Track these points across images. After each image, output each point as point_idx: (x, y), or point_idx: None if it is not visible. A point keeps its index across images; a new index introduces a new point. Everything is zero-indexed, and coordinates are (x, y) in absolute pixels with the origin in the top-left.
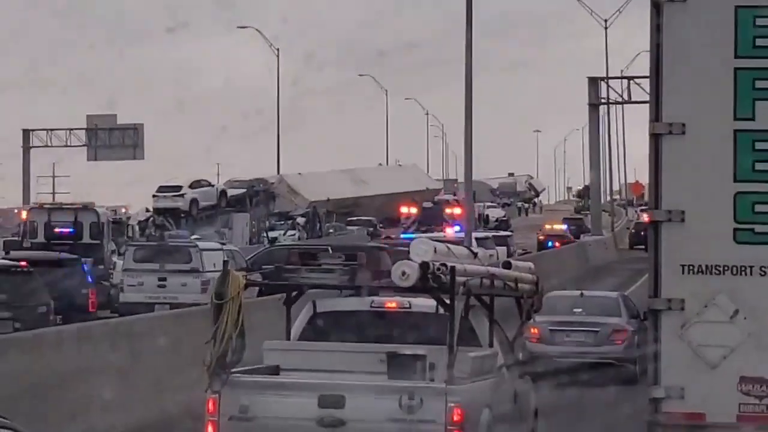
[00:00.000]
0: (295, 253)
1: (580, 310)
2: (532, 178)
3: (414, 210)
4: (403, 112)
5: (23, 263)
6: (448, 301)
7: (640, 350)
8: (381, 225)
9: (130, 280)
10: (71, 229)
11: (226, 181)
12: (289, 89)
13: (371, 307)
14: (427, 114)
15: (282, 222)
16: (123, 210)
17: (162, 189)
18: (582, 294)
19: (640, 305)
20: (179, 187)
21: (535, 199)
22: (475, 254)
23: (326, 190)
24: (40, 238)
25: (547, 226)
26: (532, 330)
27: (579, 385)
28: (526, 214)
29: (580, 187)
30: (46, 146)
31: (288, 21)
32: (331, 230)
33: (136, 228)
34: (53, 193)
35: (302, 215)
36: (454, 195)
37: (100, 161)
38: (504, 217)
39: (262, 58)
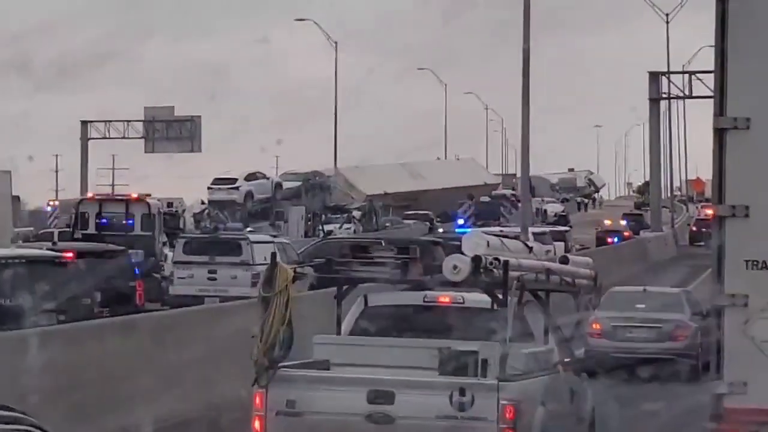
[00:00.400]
0: (347, 245)
1: (642, 306)
2: (592, 173)
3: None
4: (463, 107)
5: (68, 255)
6: (500, 296)
7: (702, 346)
8: (438, 219)
9: (180, 272)
10: (124, 221)
11: (281, 173)
12: (348, 82)
13: (424, 301)
14: (487, 108)
15: (338, 215)
16: (179, 202)
17: (217, 181)
18: (645, 290)
19: (702, 301)
20: (234, 180)
21: (595, 195)
22: (531, 249)
23: (383, 184)
24: (92, 230)
25: (606, 222)
26: (594, 325)
27: (640, 382)
28: (586, 210)
29: (641, 183)
30: (104, 138)
31: (347, 14)
32: (387, 224)
33: (190, 220)
34: (112, 185)
35: (358, 209)
36: (513, 190)
37: (157, 153)
38: (563, 212)
39: (320, 51)
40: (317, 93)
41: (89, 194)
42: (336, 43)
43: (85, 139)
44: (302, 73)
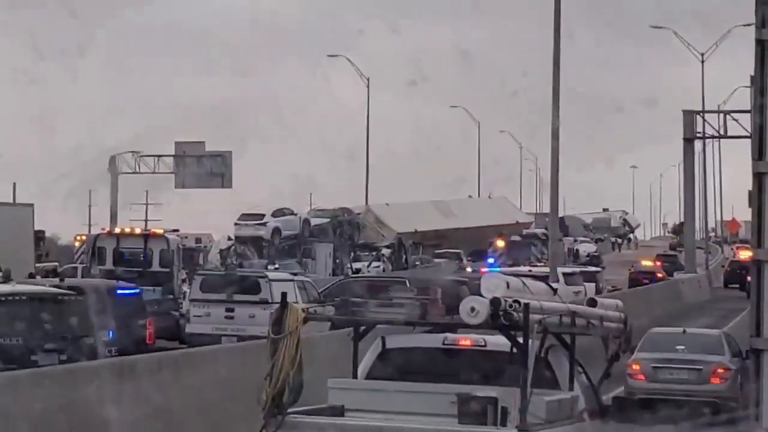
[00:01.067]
0: (364, 285)
1: (682, 347)
2: (626, 213)
3: (501, 243)
4: (497, 145)
5: (71, 291)
6: (521, 340)
7: (742, 389)
8: (469, 258)
9: (196, 310)
10: (140, 257)
11: (309, 210)
12: (379, 119)
13: (444, 344)
14: (521, 147)
15: (367, 253)
16: (208, 238)
17: (244, 217)
18: (684, 331)
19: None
20: (261, 215)
21: (630, 235)
22: (555, 290)
23: (414, 222)
24: (109, 265)
25: (644, 263)
26: (634, 366)
27: (680, 424)
28: (620, 250)
29: (676, 224)
30: (135, 173)
31: (379, 51)
32: (417, 262)
33: (216, 256)
34: (146, 220)
35: (387, 246)
36: (546, 229)
37: (187, 188)
38: (595, 252)
39: (352, 88)
40: (349, 129)
41: (106, 229)
42: (368, 79)
43: (114, 174)
44: (334, 109)
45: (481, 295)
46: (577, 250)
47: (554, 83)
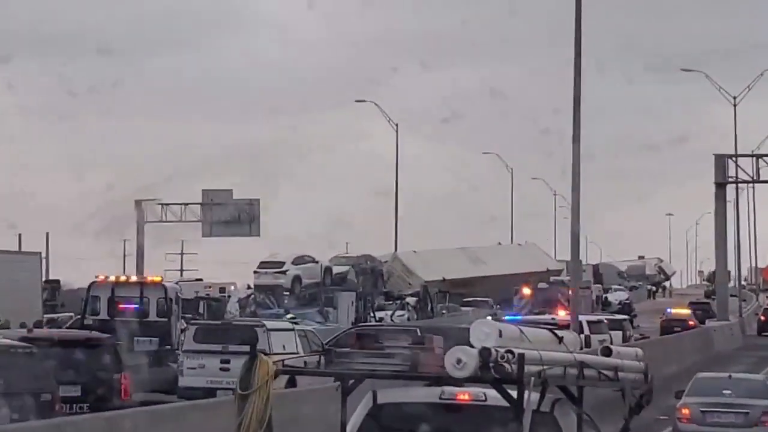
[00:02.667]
0: (373, 334)
1: (729, 391)
2: (661, 261)
3: (527, 291)
4: (530, 192)
5: (25, 343)
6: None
7: None
8: (498, 306)
9: (190, 362)
10: (136, 306)
11: (331, 257)
12: (409, 165)
13: (440, 399)
14: (555, 194)
15: (391, 302)
16: (233, 287)
17: (263, 265)
18: (730, 376)
19: None
20: (281, 263)
21: (665, 283)
22: (560, 339)
23: (442, 269)
24: (103, 315)
25: (675, 310)
26: (683, 410)
27: None
28: (654, 298)
29: (711, 271)
30: (161, 221)
31: (409, 96)
32: (444, 311)
33: (235, 305)
34: (181, 270)
35: (412, 295)
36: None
37: (214, 237)
38: (627, 300)
39: (381, 133)
40: (378, 176)
41: (101, 276)
42: (397, 125)
43: (141, 222)
44: (363, 156)
45: (470, 345)
46: (606, 297)
47: (575, 126)
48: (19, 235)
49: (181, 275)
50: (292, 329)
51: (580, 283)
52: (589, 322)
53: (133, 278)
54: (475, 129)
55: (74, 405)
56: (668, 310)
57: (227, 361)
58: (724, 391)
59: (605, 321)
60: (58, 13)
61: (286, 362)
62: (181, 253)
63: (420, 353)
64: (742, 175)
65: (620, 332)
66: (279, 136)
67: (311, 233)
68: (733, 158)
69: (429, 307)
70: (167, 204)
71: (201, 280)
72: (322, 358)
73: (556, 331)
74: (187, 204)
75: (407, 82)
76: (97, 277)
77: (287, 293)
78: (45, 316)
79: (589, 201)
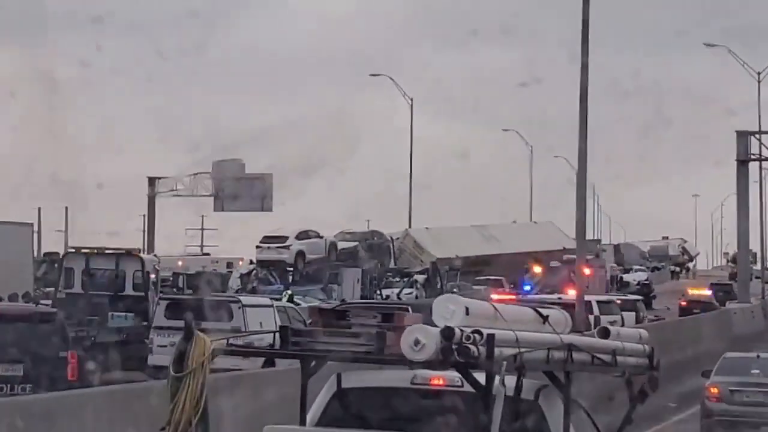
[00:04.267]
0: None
1: (757, 371)
2: (685, 241)
3: (538, 269)
4: (551, 171)
5: None
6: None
7: None
8: (512, 285)
9: (160, 339)
10: (114, 278)
11: (337, 233)
12: (425, 142)
13: (412, 384)
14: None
15: (398, 279)
16: (240, 263)
17: (266, 239)
18: (758, 356)
19: None
20: (285, 238)
21: (689, 264)
22: (545, 318)
23: (454, 247)
24: (77, 288)
25: (690, 291)
26: (711, 389)
27: None
28: (679, 279)
29: (736, 252)
30: (173, 190)
31: (427, 71)
32: (455, 289)
33: (237, 281)
34: (202, 246)
35: (421, 272)
36: (597, 256)
37: (226, 212)
38: (646, 280)
39: (395, 109)
40: (393, 151)
41: (76, 246)
42: (411, 99)
43: (152, 196)
44: (377, 131)
45: (433, 325)
46: (622, 277)
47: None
48: (39, 209)
49: (201, 251)
50: (271, 305)
51: (591, 261)
52: (598, 302)
53: (109, 249)
54: (497, 108)
55: (15, 386)
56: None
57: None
58: (753, 371)
59: (616, 301)
60: None
61: (231, 341)
62: (202, 228)
63: (387, 333)
64: (766, 153)
65: (633, 313)
66: (289, 109)
67: (330, 210)
68: (757, 135)
69: (439, 285)
70: (179, 177)
71: (208, 254)
72: (277, 336)
73: (540, 310)
74: (197, 174)
75: (427, 58)
76: (71, 248)
77: (290, 269)
78: (45, 289)
79: (614, 181)
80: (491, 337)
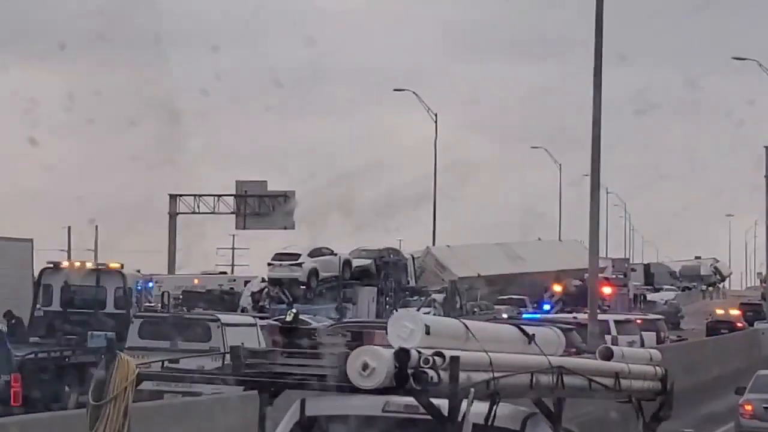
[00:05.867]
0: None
1: None
2: (717, 261)
3: (558, 288)
4: (580, 189)
5: None
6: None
7: None
8: (535, 304)
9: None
10: (91, 296)
11: (352, 250)
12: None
13: (383, 411)
14: (608, 192)
15: (416, 298)
16: (260, 281)
17: (278, 257)
18: None
19: None
20: (297, 255)
21: (720, 284)
22: (531, 337)
23: (477, 265)
24: (55, 305)
25: (718, 311)
26: (746, 406)
27: None
28: (711, 298)
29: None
30: (194, 212)
31: (453, 87)
32: (475, 309)
33: (248, 299)
34: (232, 265)
35: (439, 291)
36: (624, 275)
37: (248, 230)
38: (673, 300)
39: (420, 125)
40: (417, 168)
41: (54, 261)
42: (436, 115)
43: (173, 214)
44: (401, 147)
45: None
46: (645, 296)
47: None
48: (69, 227)
49: (232, 271)
50: (254, 324)
51: (612, 280)
52: (616, 322)
53: (89, 264)
54: (526, 124)
55: None
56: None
57: (176, 361)
58: None
59: (636, 321)
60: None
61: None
62: (233, 248)
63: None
64: None
65: (653, 333)
66: (312, 127)
67: (356, 226)
68: None
69: (458, 304)
70: (200, 195)
71: (225, 273)
72: (227, 358)
73: (525, 328)
74: (220, 195)
75: (455, 73)
76: (50, 262)
77: (303, 287)
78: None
79: (648, 201)
80: (455, 359)
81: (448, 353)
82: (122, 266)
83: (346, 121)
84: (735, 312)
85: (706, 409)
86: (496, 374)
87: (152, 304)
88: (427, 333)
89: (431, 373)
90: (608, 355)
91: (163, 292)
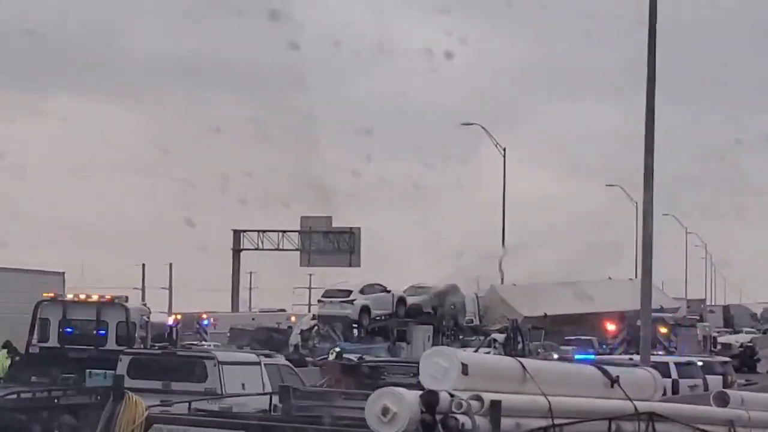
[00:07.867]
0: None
1: None
2: None
3: (612, 327)
4: (659, 229)
5: None
6: None
7: None
8: (603, 345)
9: None
10: (94, 330)
11: (407, 287)
12: (519, 193)
13: None
14: (687, 231)
15: (475, 338)
16: (310, 318)
17: (329, 293)
18: None
19: None
20: (348, 292)
21: None
22: (614, 379)
23: (543, 304)
24: (53, 341)
25: None
26: None
27: None
28: None
29: None
30: (257, 249)
31: (524, 125)
32: (540, 349)
33: (297, 338)
34: (309, 305)
35: (500, 330)
36: (700, 318)
37: (313, 267)
38: (749, 342)
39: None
40: (486, 204)
41: (50, 293)
42: (504, 149)
43: (236, 250)
44: (468, 183)
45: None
46: (715, 338)
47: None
48: (143, 265)
49: (309, 310)
50: (258, 363)
51: (678, 320)
52: (677, 364)
53: (91, 297)
54: (601, 163)
55: None
56: None
57: (169, 403)
58: None
59: (699, 363)
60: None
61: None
62: (309, 288)
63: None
64: None
65: (720, 377)
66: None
67: (423, 263)
68: None
69: (520, 345)
70: (264, 231)
71: (284, 310)
72: (275, 398)
73: (608, 369)
74: (285, 231)
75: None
76: (48, 295)
77: (355, 325)
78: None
79: (734, 243)
80: (495, 404)
81: (487, 396)
82: (126, 299)
83: (416, 154)
84: None
85: None
86: (558, 421)
87: (207, 343)
88: (464, 373)
89: (463, 419)
90: (724, 401)
91: (171, 327)
